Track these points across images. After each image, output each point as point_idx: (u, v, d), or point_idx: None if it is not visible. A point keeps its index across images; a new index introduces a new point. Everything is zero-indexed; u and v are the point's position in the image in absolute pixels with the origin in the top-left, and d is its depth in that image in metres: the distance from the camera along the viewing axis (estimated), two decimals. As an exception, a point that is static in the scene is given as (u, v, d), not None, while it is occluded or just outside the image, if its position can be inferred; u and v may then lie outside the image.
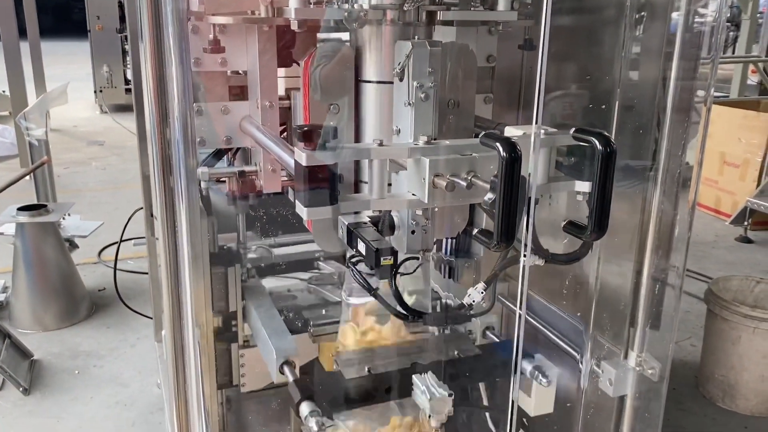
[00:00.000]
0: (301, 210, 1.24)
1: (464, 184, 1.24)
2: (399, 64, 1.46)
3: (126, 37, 10.66)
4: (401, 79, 1.46)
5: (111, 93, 10.59)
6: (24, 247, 3.63)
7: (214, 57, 1.64)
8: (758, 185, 5.21)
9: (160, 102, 1.22)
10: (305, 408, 1.43)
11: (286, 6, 1.46)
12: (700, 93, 1.52)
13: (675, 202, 1.57)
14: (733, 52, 10.85)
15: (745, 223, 5.16)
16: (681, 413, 2.98)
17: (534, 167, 1.16)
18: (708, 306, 3.03)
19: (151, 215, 2.73)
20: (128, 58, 10.93)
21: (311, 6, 1.52)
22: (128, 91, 10.89)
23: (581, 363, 1.68)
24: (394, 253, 1.36)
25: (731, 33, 12.29)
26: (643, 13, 1.65)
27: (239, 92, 1.83)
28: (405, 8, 1.46)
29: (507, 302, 2.06)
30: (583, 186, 1.35)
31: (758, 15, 9.94)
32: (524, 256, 1.40)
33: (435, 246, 2.00)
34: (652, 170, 1.58)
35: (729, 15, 12.63)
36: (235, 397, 2.36)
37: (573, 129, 1.22)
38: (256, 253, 2.23)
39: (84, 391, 3.06)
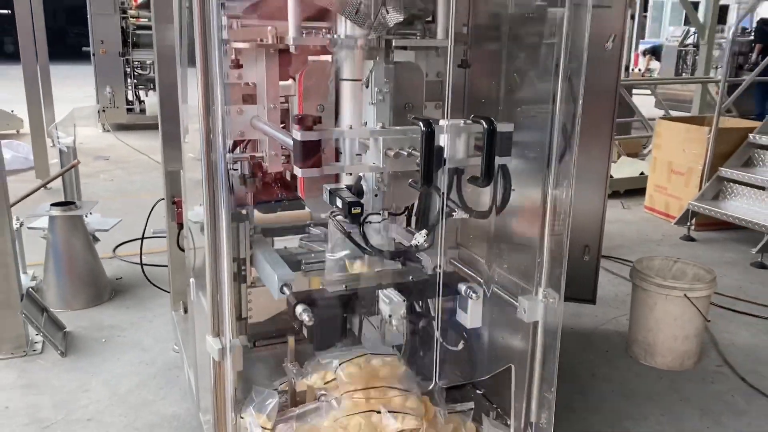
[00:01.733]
0: (298, 171, 1.86)
1: (405, 154, 1.86)
2: (365, 76, 2.09)
3: (128, 60, 11.38)
4: (367, 87, 2.09)
5: (113, 113, 11.20)
6: (55, 239, 4.22)
7: (233, 72, 2.26)
8: (700, 190, 5.87)
9: (206, 101, 1.83)
10: (299, 308, 2.02)
11: (287, 35, 2.08)
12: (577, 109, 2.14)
13: (563, 189, 2.19)
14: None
15: (688, 223, 5.82)
16: (611, 369, 3.58)
17: (447, 143, 1.78)
18: (632, 280, 3.65)
19: (173, 203, 3.33)
20: (129, 80, 11.62)
21: (304, 35, 2.16)
22: (129, 110, 11.55)
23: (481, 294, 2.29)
24: (361, 205, 1.97)
25: (697, 57, 13.12)
26: (545, 42, 2.28)
27: (249, 99, 2.45)
28: (369, 38, 2.09)
29: (458, 264, 2.69)
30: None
31: (717, 43, 10.75)
32: (451, 214, 2.02)
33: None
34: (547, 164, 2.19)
35: (694, 41, 13.46)
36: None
37: (472, 115, 1.85)
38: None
39: (111, 354, 3.63)
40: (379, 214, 2.16)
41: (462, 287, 2.23)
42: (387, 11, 2.10)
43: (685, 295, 3.42)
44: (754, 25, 11.41)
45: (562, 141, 2.12)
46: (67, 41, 25.77)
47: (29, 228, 4.50)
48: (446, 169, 1.79)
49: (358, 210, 1.96)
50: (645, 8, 26.31)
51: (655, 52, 17.30)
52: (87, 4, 11.05)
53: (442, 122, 1.96)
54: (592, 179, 3.85)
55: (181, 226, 3.39)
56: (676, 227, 6.04)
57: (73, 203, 4.26)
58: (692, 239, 5.80)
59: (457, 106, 2.69)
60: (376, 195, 2.12)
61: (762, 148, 5.77)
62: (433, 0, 2.21)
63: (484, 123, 1.79)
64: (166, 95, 3.29)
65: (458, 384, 2.45)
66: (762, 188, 5.55)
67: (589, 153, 3.83)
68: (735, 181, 5.73)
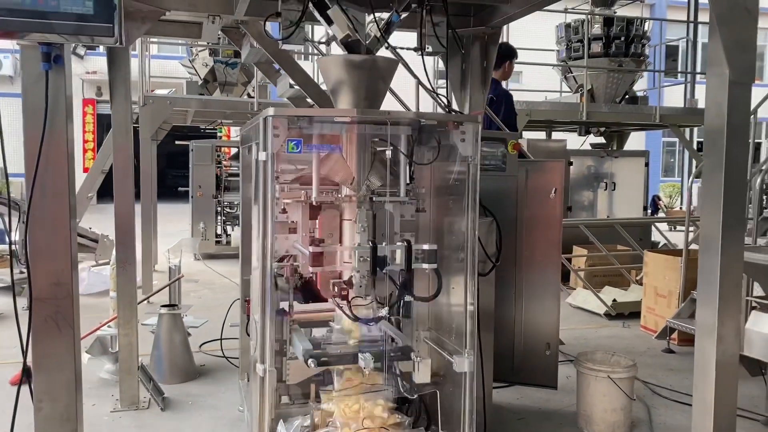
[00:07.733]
0: (310, 269, 3.39)
1: (367, 259, 3.36)
2: (356, 217, 3.65)
3: (219, 201, 13.62)
4: (356, 222, 3.64)
5: (204, 244, 13.23)
6: (160, 331, 5.82)
7: (282, 215, 3.88)
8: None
9: (266, 235, 3.41)
10: (311, 362, 3.43)
11: (312, 195, 3.69)
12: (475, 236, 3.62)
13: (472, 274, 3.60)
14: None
15: (668, 338, 6.88)
16: (558, 434, 4.72)
17: (390, 256, 3.28)
18: (576, 367, 4.85)
19: (245, 301, 4.89)
20: (219, 218, 13.80)
21: (323, 194, 3.76)
22: (217, 242, 13.61)
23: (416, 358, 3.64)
24: (347, 290, 3.45)
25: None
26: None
27: (293, 230, 4.05)
28: (359, 194, 3.67)
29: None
30: (424, 266, 3.45)
31: None
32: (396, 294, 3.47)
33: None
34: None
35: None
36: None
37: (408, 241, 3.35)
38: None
39: (196, 411, 5.08)
40: (362, 297, 3.63)
41: (412, 354, 3.61)
42: (370, 180, 3.71)
43: (608, 376, 4.60)
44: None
45: (473, 257, 3.58)
46: (166, 182, 29.08)
47: (142, 324, 6.14)
48: (386, 269, 3.31)
49: (345, 293, 3.45)
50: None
51: (698, 193, 18.53)
52: (190, 156, 13.53)
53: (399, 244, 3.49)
54: (547, 293, 5.18)
55: (249, 318, 4.91)
56: (659, 341, 7.09)
57: (176, 305, 5.90)
58: (672, 351, 6.83)
59: (426, 238, 4.20)
60: (360, 286, 3.61)
61: (728, 276, 6.89)
62: (397, 174, 3.79)
63: (405, 243, 3.31)
64: (246, 229, 4.97)
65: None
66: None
67: (544, 274, 5.20)
68: (706, 303, 6.82)
